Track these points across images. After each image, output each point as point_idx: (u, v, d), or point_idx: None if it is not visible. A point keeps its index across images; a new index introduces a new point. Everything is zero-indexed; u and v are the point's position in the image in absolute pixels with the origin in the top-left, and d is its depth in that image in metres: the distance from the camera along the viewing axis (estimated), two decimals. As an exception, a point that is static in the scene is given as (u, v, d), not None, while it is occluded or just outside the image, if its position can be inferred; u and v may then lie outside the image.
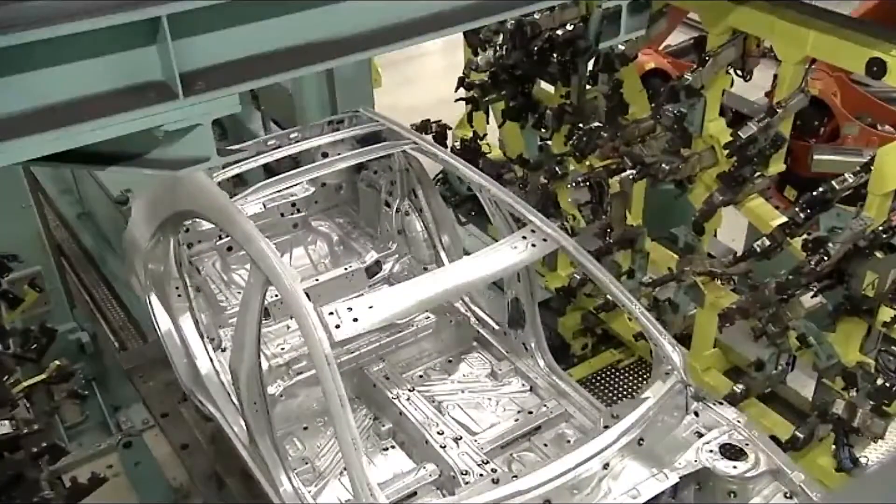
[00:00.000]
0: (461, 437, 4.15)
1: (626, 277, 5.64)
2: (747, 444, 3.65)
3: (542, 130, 6.02)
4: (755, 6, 4.50)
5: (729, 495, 3.63)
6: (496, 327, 4.86)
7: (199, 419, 4.93)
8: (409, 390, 4.45)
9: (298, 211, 5.39)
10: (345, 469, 3.77)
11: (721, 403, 3.88)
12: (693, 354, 5.50)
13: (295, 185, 5.01)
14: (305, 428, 4.49)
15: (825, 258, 4.15)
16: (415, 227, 5.05)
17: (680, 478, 3.63)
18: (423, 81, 6.70)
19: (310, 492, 3.99)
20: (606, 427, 3.74)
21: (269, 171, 4.94)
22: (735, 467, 3.59)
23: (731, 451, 3.65)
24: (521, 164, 6.29)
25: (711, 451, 3.65)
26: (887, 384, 4.37)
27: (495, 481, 3.56)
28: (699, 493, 3.75)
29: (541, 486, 3.52)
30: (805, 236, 4.41)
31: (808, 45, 4.36)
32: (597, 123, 5.41)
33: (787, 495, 3.56)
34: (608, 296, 5.44)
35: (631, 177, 5.14)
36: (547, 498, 3.51)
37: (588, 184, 5.34)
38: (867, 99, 6.31)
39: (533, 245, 4.11)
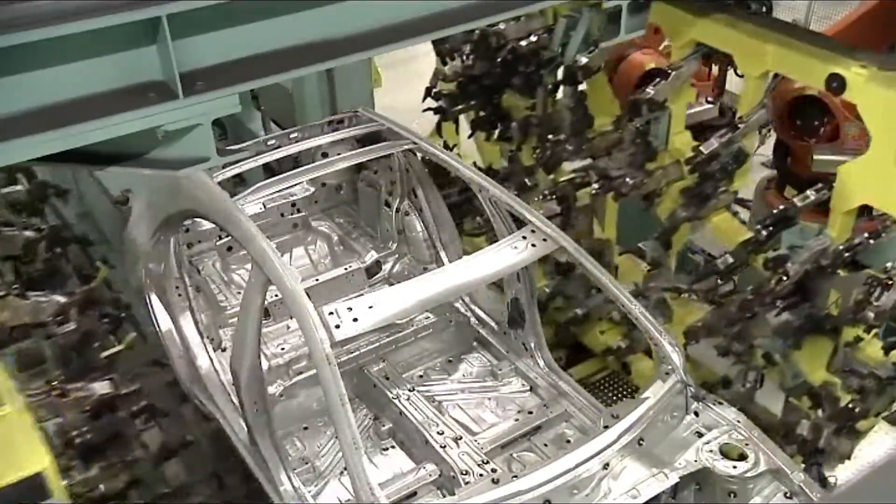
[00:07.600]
0: (461, 437, 4.15)
1: (595, 291, 5.42)
2: (747, 445, 3.65)
3: (509, 142, 5.85)
4: (716, 20, 4.45)
5: (729, 495, 3.62)
6: (496, 327, 4.86)
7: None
8: (409, 390, 4.45)
9: (298, 211, 5.38)
10: (345, 469, 3.78)
11: (721, 403, 3.88)
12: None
13: (295, 185, 5.02)
14: (305, 428, 4.49)
15: (784, 277, 4.09)
16: (415, 227, 5.05)
17: (680, 478, 3.63)
18: (423, 81, 6.66)
19: (310, 492, 4.00)
20: (606, 427, 3.75)
21: (270, 170, 4.94)
22: (735, 467, 3.59)
23: (731, 451, 3.65)
24: (491, 175, 5.90)
25: (711, 451, 3.65)
26: (850, 405, 4.25)
27: (495, 481, 3.56)
28: (699, 493, 3.76)
29: (541, 486, 3.52)
30: (769, 253, 4.32)
31: (768, 60, 4.31)
32: (562, 136, 5.25)
33: (787, 495, 3.56)
34: (588, 306, 5.44)
35: (593, 191, 5.01)
36: (547, 498, 3.51)
37: (555, 197, 5.18)
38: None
39: (533, 245, 4.11)
